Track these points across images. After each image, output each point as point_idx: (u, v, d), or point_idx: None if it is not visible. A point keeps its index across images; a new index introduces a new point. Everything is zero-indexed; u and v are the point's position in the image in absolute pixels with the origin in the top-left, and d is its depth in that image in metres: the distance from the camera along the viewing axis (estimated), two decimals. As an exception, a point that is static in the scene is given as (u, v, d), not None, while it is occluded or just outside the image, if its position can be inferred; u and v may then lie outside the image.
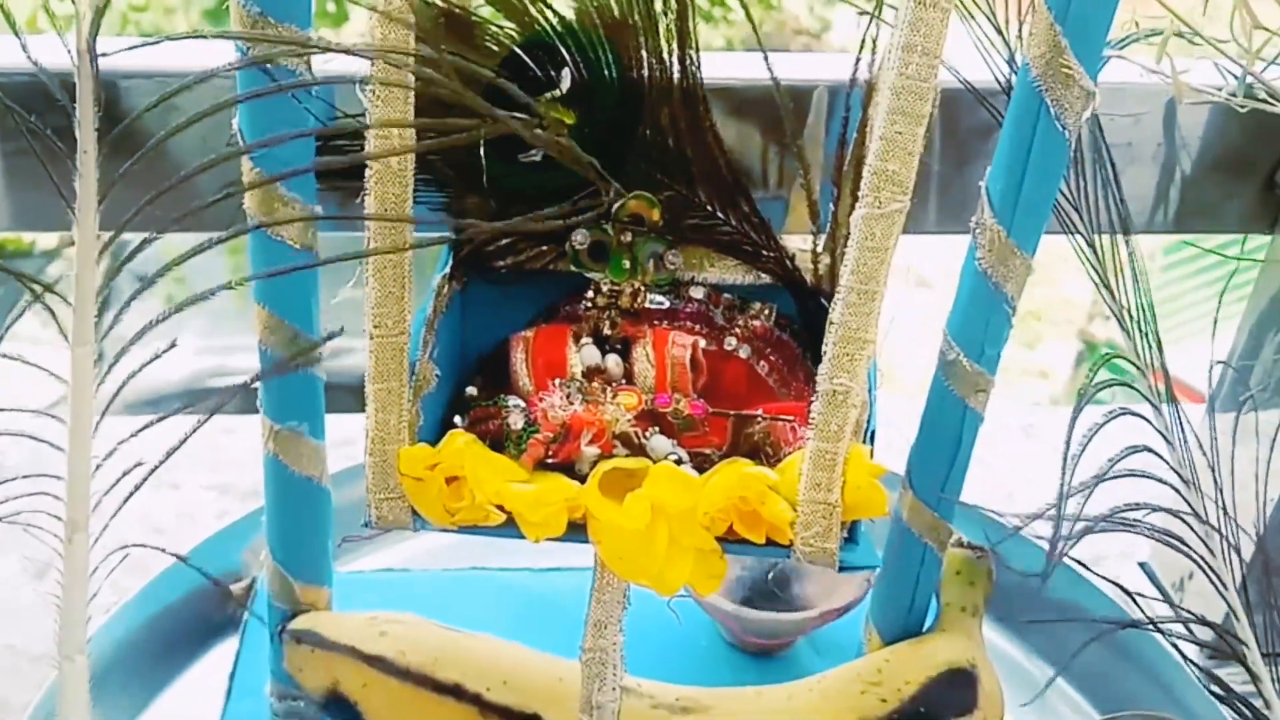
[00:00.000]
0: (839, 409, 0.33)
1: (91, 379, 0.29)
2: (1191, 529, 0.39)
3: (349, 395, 0.46)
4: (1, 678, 0.55)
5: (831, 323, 0.33)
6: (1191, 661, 0.38)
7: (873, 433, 0.36)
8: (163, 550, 0.35)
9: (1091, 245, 0.39)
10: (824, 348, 0.33)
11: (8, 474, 0.32)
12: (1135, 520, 0.35)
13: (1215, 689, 0.37)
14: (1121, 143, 0.45)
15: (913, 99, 0.31)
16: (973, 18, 0.40)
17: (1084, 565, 0.42)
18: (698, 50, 0.38)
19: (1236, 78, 0.39)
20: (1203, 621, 0.37)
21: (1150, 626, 0.37)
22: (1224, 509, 0.38)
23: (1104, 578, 0.42)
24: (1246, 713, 0.38)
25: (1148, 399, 0.39)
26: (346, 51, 0.34)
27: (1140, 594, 0.44)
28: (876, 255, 0.32)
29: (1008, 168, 0.35)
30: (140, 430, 0.30)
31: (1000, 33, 0.40)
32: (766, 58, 0.38)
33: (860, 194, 0.32)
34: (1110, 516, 0.35)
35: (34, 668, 0.55)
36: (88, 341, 0.28)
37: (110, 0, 0.25)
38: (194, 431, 0.32)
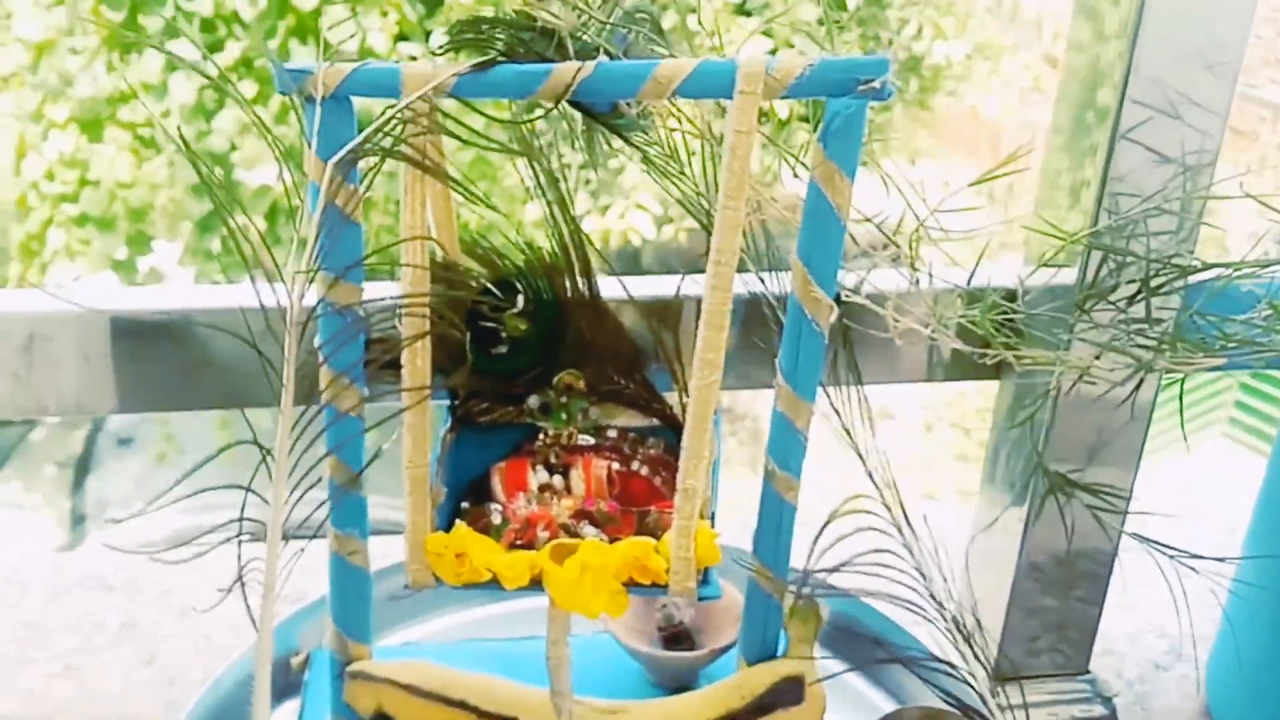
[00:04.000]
0: (690, 500, 0.55)
1: (282, 504, 0.49)
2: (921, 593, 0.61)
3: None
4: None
5: (682, 447, 0.55)
6: (927, 670, 0.58)
7: (714, 514, 0.58)
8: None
9: (832, 405, 0.63)
10: (680, 462, 0.55)
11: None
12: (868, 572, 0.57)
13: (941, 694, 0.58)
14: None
15: (717, 318, 0.53)
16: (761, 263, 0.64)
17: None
18: (597, 280, 0.62)
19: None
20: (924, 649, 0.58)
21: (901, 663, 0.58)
22: (945, 579, 0.60)
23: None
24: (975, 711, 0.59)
25: (883, 504, 0.61)
26: (387, 298, 0.57)
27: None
28: (705, 406, 0.54)
29: (788, 350, 0.58)
30: (303, 548, 0.51)
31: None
32: (626, 288, 0.62)
33: (693, 371, 0.55)
34: (843, 566, 0.57)
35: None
36: (283, 480, 0.49)
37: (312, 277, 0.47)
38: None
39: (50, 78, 3.74)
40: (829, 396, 0.64)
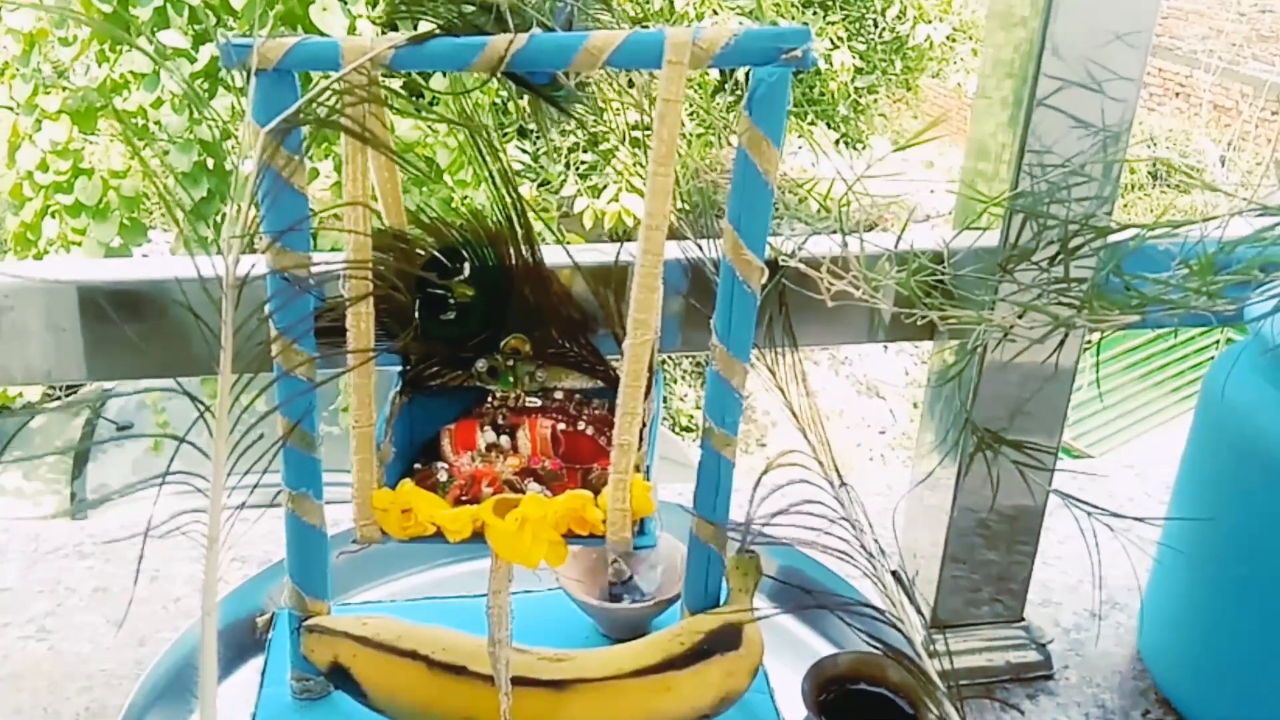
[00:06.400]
0: (625, 455, 0.58)
1: (224, 461, 0.52)
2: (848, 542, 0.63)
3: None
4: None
5: (617, 405, 0.58)
6: (861, 617, 0.61)
7: (649, 467, 0.60)
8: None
9: (767, 364, 0.65)
10: (615, 419, 0.58)
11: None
12: (802, 523, 0.59)
13: (868, 638, 0.61)
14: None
15: (649, 280, 0.56)
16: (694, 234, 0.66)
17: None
18: (539, 248, 0.64)
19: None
20: (866, 602, 0.61)
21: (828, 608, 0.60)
22: (871, 529, 0.62)
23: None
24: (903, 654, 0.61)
25: (815, 459, 0.63)
26: (333, 264, 0.59)
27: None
28: (638, 364, 0.57)
29: (722, 311, 0.61)
30: (237, 509, 0.54)
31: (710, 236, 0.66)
32: (570, 254, 0.65)
33: (627, 331, 0.57)
34: (776, 517, 0.59)
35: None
36: (224, 436, 0.52)
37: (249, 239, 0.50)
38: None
39: (42, 68, 3.75)
40: (763, 357, 0.66)
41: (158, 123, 3.75)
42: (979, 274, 0.63)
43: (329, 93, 0.53)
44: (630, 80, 0.65)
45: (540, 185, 4.45)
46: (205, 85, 3.77)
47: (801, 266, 0.66)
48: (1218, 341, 3.54)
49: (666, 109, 0.55)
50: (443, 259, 0.64)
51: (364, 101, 0.54)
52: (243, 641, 0.75)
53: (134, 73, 3.77)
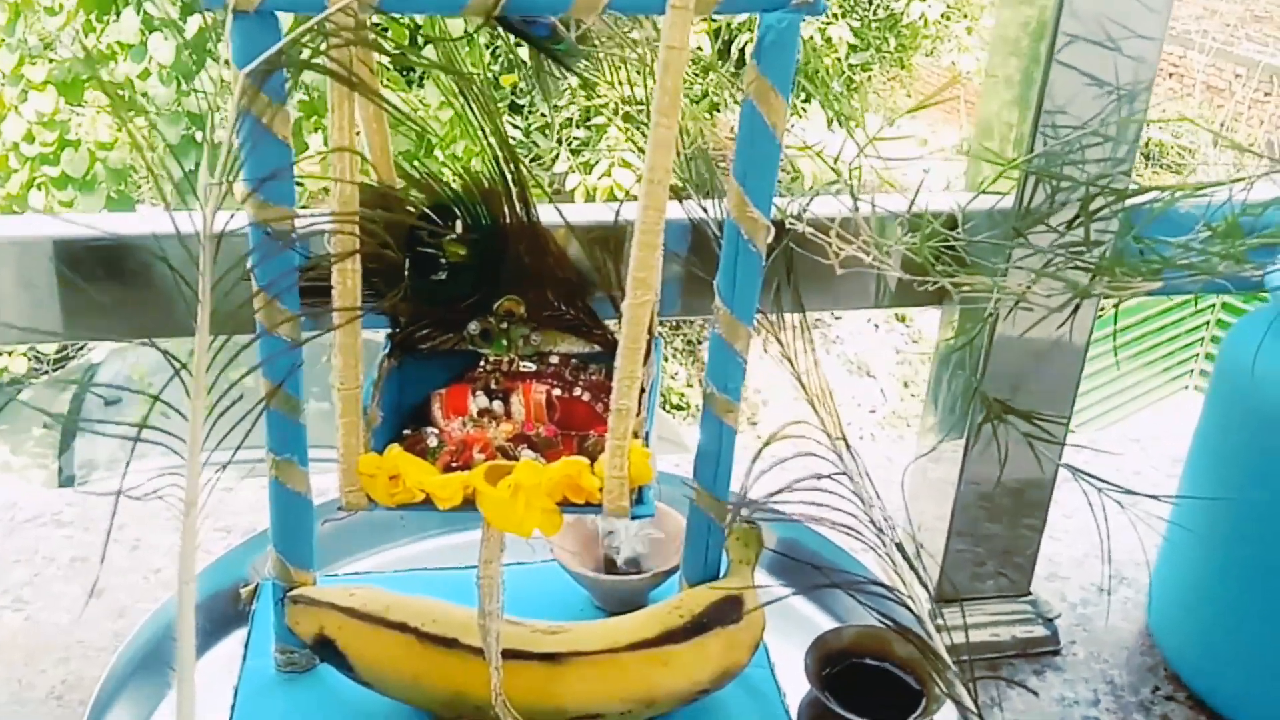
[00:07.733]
0: (623, 420, 0.55)
1: (201, 421, 0.49)
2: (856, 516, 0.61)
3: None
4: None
5: (615, 368, 0.55)
6: (865, 592, 0.59)
7: (648, 434, 0.58)
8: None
9: (774, 332, 0.62)
10: (613, 384, 0.55)
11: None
12: (804, 499, 0.57)
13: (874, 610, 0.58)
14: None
15: (649, 237, 0.53)
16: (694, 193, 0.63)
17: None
18: (535, 206, 0.62)
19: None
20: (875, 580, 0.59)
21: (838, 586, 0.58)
22: (879, 502, 0.60)
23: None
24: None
25: (823, 430, 0.61)
26: (318, 219, 0.56)
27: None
28: (637, 326, 0.54)
29: (726, 272, 0.58)
30: (222, 467, 0.51)
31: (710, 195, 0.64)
32: (562, 213, 0.62)
33: (626, 292, 0.54)
34: (784, 489, 0.57)
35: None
36: (201, 395, 0.49)
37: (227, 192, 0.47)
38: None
39: (28, 39, 3.70)
40: (769, 327, 0.64)
41: (145, 94, 3.70)
42: (993, 239, 0.61)
43: (313, 34, 0.50)
44: (632, 34, 0.63)
45: (532, 160, 4.41)
46: (193, 58, 3.72)
47: (808, 231, 0.64)
48: (1208, 323, 3.52)
49: (670, 57, 0.52)
50: (434, 216, 0.62)
51: (350, 44, 0.51)
52: (226, 613, 0.73)
53: (121, 43, 3.72)
